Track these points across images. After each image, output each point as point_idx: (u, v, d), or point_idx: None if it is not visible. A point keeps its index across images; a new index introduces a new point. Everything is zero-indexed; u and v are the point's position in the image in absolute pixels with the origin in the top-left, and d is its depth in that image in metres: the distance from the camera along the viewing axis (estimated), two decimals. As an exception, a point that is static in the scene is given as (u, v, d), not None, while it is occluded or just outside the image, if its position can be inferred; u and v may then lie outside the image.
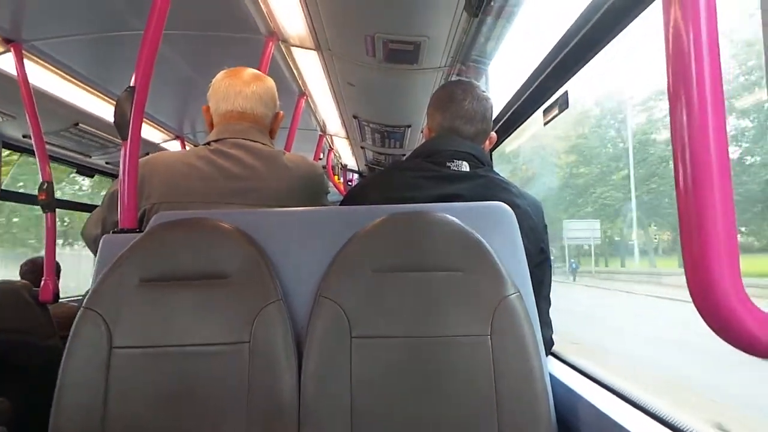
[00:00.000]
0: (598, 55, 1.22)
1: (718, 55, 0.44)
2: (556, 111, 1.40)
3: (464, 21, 1.81)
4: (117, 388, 0.91)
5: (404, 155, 4.14)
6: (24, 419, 1.81)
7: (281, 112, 1.43)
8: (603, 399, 0.96)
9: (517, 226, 1.03)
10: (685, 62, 0.44)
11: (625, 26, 1.07)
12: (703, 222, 0.44)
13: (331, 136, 4.17)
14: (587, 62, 1.27)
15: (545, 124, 1.46)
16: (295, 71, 2.68)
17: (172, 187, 1.22)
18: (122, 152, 1.21)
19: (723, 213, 0.44)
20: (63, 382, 0.91)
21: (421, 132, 3.40)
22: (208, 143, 1.30)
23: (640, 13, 1.01)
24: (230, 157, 1.26)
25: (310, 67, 2.61)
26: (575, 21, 1.21)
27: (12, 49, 2.11)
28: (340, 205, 1.24)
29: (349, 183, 5.75)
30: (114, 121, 1.22)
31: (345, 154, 4.90)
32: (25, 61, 2.17)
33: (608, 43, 1.16)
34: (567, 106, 1.35)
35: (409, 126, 3.40)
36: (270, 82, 1.41)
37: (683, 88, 0.44)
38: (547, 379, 0.93)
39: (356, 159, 5.03)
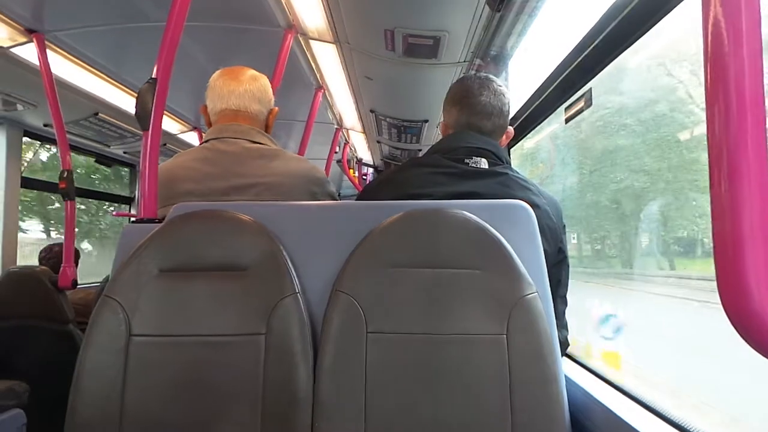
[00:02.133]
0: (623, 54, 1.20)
1: (760, 54, 0.42)
2: (579, 107, 1.38)
3: (485, 16, 1.79)
4: (134, 376, 0.92)
5: (420, 150, 4.13)
6: (42, 403, 1.84)
7: (276, 108, 1.44)
8: (618, 402, 0.95)
9: (537, 225, 1.01)
10: (724, 62, 0.42)
11: (653, 25, 1.05)
12: (737, 227, 0.43)
13: (347, 129, 4.16)
14: (612, 61, 1.24)
15: (567, 121, 1.44)
16: (312, 64, 2.68)
17: (171, 191, 1.24)
18: (143, 143, 1.22)
19: (759, 218, 0.43)
20: (81, 368, 0.92)
21: (437, 127, 3.38)
22: (207, 141, 1.32)
23: (669, 12, 0.99)
24: (227, 154, 1.26)
25: (328, 60, 2.61)
26: (600, 19, 1.19)
27: (35, 39, 2.14)
28: (356, 199, 1.24)
29: (364, 177, 5.75)
30: (135, 112, 1.23)
31: (360, 148, 4.90)
32: (48, 51, 2.20)
33: (634, 41, 1.13)
34: (591, 104, 1.33)
35: (426, 121, 3.38)
36: (264, 80, 1.43)
37: (722, 88, 0.43)
38: (563, 380, 0.92)
39: (371, 153, 5.02)
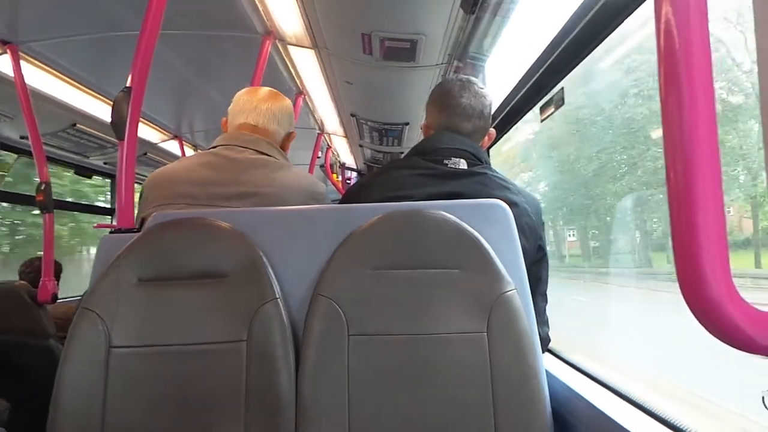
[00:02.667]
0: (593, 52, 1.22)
1: (709, 51, 0.44)
2: (552, 108, 1.40)
3: (461, 18, 1.81)
4: (115, 388, 0.91)
5: (402, 153, 4.14)
6: (23, 419, 1.81)
7: (294, 131, 1.45)
8: (599, 396, 0.97)
9: (514, 223, 1.03)
10: (676, 59, 0.44)
11: (620, 23, 1.07)
12: (693, 218, 0.44)
13: (329, 134, 4.16)
14: (583, 59, 1.27)
15: (542, 120, 1.46)
16: (292, 70, 2.68)
17: (170, 191, 1.22)
18: (119, 152, 1.21)
19: (713, 209, 0.44)
20: (61, 382, 0.91)
21: (421, 129, 3.40)
22: (215, 147, 1.31)
23: (634, 10, 1.01)
24: (233, 162, 1.26)
25: (307, 65, 2.61)
26: (570, 18, 1.21)
27: (8, 51, 2.11)
28: (338, 203, 1.24)
29: (348, 181, 5.74)
30: (111, 122, 1.22)
31: (343, 152, 4.90)
32: (22, 62, 2.17)
33: (603, 40, 1.16)
34: (563, 103, 1.35)
35: (407, 124, 3.39)
36: (287, 102, 1.44)
37: (675, 84, 0.44)
38: (544, 375, 0.94)
39: (354, 157, 5.02)
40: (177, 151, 3.84)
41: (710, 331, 0.46)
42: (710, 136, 0.44)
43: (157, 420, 0.90)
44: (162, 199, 1.22)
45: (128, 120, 1.21)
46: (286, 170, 1.30)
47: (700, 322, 0.46)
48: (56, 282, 2.38)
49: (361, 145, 4.21)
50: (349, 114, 3.36)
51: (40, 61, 2.29)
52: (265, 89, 1.43)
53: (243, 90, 1.42)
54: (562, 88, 1.36)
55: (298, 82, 2.83)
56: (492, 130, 1.33)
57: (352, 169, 5.64)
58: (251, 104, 1.37)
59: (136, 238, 1.00)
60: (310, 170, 4.13)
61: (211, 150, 1.30)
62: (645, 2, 0.96)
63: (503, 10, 1.70)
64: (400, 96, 2.85)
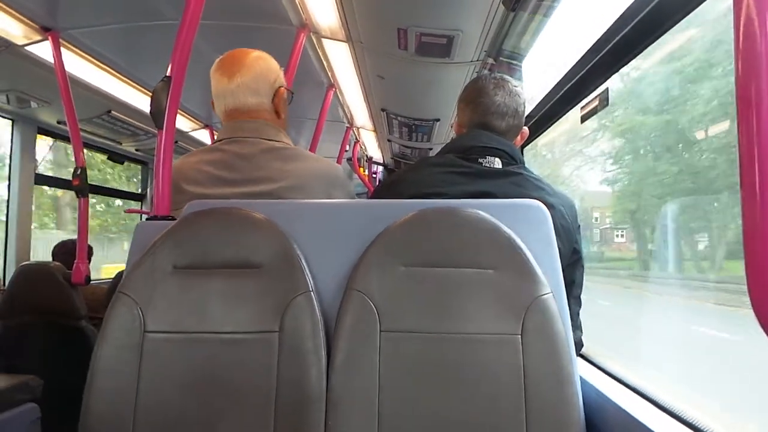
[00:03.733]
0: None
1: None
2: (595, 106, 1.36)
3: (500, 15, 1.78)
4: (148, 372, 0.92)
5: (431, 149, 4.12)
6: (55, 398, 1.86)
7: (282, 88, 1.35)
8: (632, 403, 0.94)
9: (552, 225, 1.01)
10: (756, 61, 0.42)
11: (672, 26, 1.03)
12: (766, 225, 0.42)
13: (358, 128, 4.16)
14: (628, 62, 1.23)
15: (582, 120, 1.43)
16: (324, 63, 2.68)
17: (182, 196, 1.20)
18: (158, 141, 1.22)
19: None
20: (96, 364, 0.92)
21: (451, 126, 3.37)
22: (221, 140, 1.27)
23: (688, 13, 0.97)
24: (243, 159, 1.23)
25: (340, 59, 2.61)
26: (617, 19, 1.18)
27: (49, 38, 2.16)
28: (369, 198, 1.23)
29: (374, 175, 5.75)
30: (150, 111, 1.23)
31: (371, 146, 4.90)
32: (62, 49, 2.21)
33: (652, 42, 1.12)
34: (607, 104, 1.31)
35: (437, 120, 3.37)
36: (259, 64, 1.31)
37: (753, 87, 0.42)
38: (578, 381, 0.92)
39: (382, 152, 5.02)
40: (207, 140, 3.89)
41: None
42: None
43: (189, 405, 0.91)
44: (173, 204, 1.20)
45: (167, 109, 1.21)
46: (300, 158, 1.26)
47: (765, 330, 0.44)
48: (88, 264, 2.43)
49: (389, 140, 4.20)
50: (380, 108, 3.35)
51: (79, 48, 2.34)
52: (231, 58, 1.31)
53: (215, 63, 1.32)
54: (607, 89, 1.33)
55: (330, 74, 2.83)
56: (525, 129, 1.31)
57: (378, 164, 5.65)
58: (222, 85, 1.28)
59: (171, 227, 1.01)
60: (338, 163, 4.14)
61: (217, 145, 1.27)
62: (702, 4, 0.93)
63: (544, 7, 1.67)
64: (431, 92, 2.83)
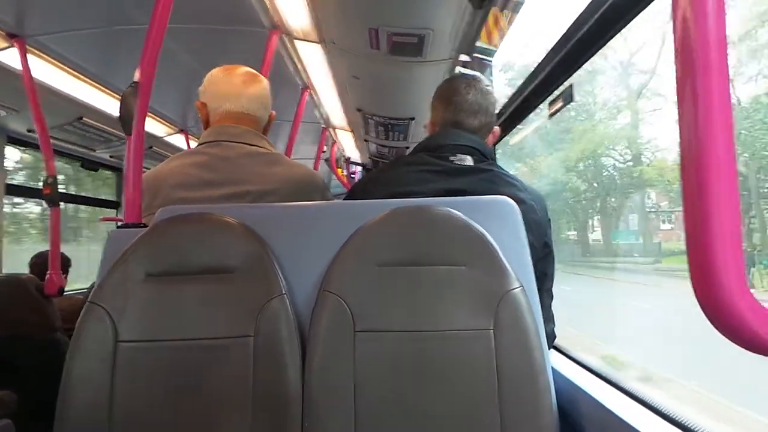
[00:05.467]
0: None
1: (726, 48, 0.43)
2: (560, 104, 1.39)
3: (469, 13, 1.80)
4: (122, 382, 0.91)
5: (408, 147, 4.14)
6: (29, 412, 1.82)
7: (274, 112, 1.42)
8: (605, 392, 0.97)
9: (522, 220, 1.03)
10: (692, 56, 0.43)
11: (632, 19, 1.06)
12: (708, 219, 0.44)
13: (334, 129, 4.16)
14: (592, 55, 1.26)
15: (550, 116, 1.45)
16: (298, 64, 2.67)
17: (164, 199, 1.21)
18: (127, 147, 1.21)
19: (728, 210, 0.44)
20: (69, 376, 0.91)
21: (424, 127, 3.40)
22: (204, 143, 1.28)
23: (646, 6, 1.00)
24: (227, 161, 1.24)
25: (313, 60, 2.61)
26: (581, 13, 1.20)
27: (15, 44, 2.11)
28: (344, 199, 1.24)
29: (352, 176, 5.75)
30: (119, 116, 1.22)
31: (348, 146, 4.90)
32: (29, 55, 2.17)
33: (614, 36, 1.14)
34: (572, 99, 1.34)
35: (413, 118, 3.39)
36: (265, 82, 1.39)
37: (690, 81, 0.44)
38: (550, 372, 0.94)
39: (360, 152, 5.02)
40: (182, 145, 3.85)
41: (725, 334, 0.45)
42: (725, 135, 0.43)
43: (164, 414, 0.91)
44: (148, 209, 1.20)
45: (136, 115, 1.20)
46: (282, 163, 1.28)
47: (714, 325, 0.46)
48: (64, 275, 2.39)
49: (366, 140, 4.21)
50: (355, 108, 3.35)
51: (48, 55, 2.29)
52: (242, 69, 1.37)
53: (218, 70, 1.36)
54: (571, 85, 1.35)
55: (304, 76, 2.83)
56: (497, 128, 1.33)
57: (356, 164, 5.65)
58: (235, 88, 1.31)
59: (143, 234, 1.00)
60: (315, 164, 4.13)
61: (200, 148, 1.28)
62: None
63: (512, 4, 1.69)
64: (406, 91, 2.84)
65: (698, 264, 0.45)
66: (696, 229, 0.45)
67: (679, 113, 0.45)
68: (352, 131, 4.15)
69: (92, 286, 2.88)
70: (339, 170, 5.09)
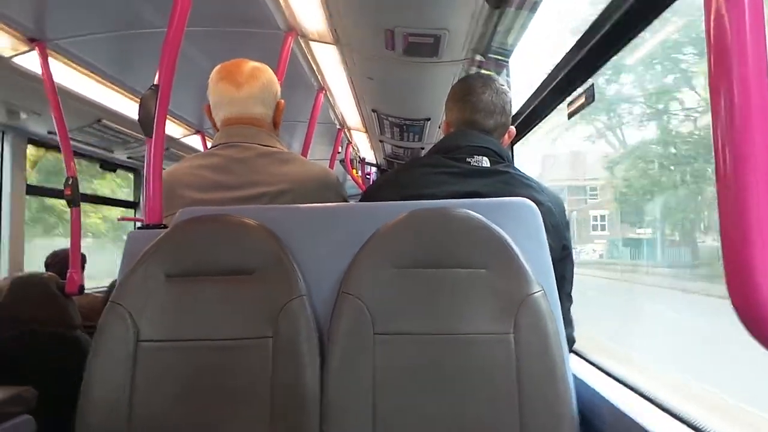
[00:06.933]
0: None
1: (765, 48, 0.42)
2: (581, 102, 1.37)
3: (485, 13, 1.79)
4: (143, 381, 0.92)
5: (423, 148, 4.13)
6: (49, 409, 1.85)
7: (282, 101, 1.38)
8: (626, 399, 0.95)
9: (542, 222, 1.01)
10: (726, 51, 0.42)
11: (656, 17, 1.04)
12: (744, 220, 0.43)
13: (349, 129, 4.16)
14: (614, 55, 1.24)
15: (569, 117, 1.44)
16: (314, 66, 2.68)
17: (179, 201, 1.20)
18: (147, 149, 1.22)
19: (765, 212, 0.42)
20: (90, 374, 0.92)
21: (439, 127, 3.38)
22: (217, 145, 1.28)
23: (669, 5, 0.98)
24: (240, 162, 1.24)
25: (328, 61, 2.61)
26: (602, 12, 1.18)
27: (36, 48, 2.15)
28: (360, 201, 1.24)
29: (367, 176, 5.75)
30: (138, 119, 1.23)
31: (363, 147, 4.90)
32: (50, 59, 2.21)
33: (637, 35, 1.13)
34: (593, 99, 1.32)
35: (428, 119, 3.38)
36: (265, 76, 1.34)
37: (725, 76, 0.42)
38: (570, 378, 0.92)
39: (375, 152, 5.02)
40: (199, 146, 3.88)
41: (755, 335, 0.44)
42: (763, 132, 0.42)
43: (184, 413, 0.92)
44: (170, 210, 1.19)
45: (156, 117, 1.21)
46: (295, 162, 1.27)
47: (748, 328, 0.44)
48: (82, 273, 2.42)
49: (381, 141, 4.21)
50: (371, 109, 3.35)
51: (67, 58, 2.32)
52: (237, 68, 1.32)
53: (215, 72, 1.33)
54: (593, 84, 1.33)
55: (319, 78, 2.83)
56: (512, 128, 1.32)
57: (371, 164, 5.65)
58: (229, 94, 1.29)
59: (163, 235, 1.01)
60: (330, 165, 4.13)
61: (212, 150, 1.28)
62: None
63: (529, 3, 1.67)
64: (421, 91, 2.84)
65: (734, 266, 0.44)
66: (732, 230, 0.43)
67: (712, 112, 0.44)
68: (367, 132, 4.15)
69: (112, 285, 2.92)
70: (354, 171, 5.10)
